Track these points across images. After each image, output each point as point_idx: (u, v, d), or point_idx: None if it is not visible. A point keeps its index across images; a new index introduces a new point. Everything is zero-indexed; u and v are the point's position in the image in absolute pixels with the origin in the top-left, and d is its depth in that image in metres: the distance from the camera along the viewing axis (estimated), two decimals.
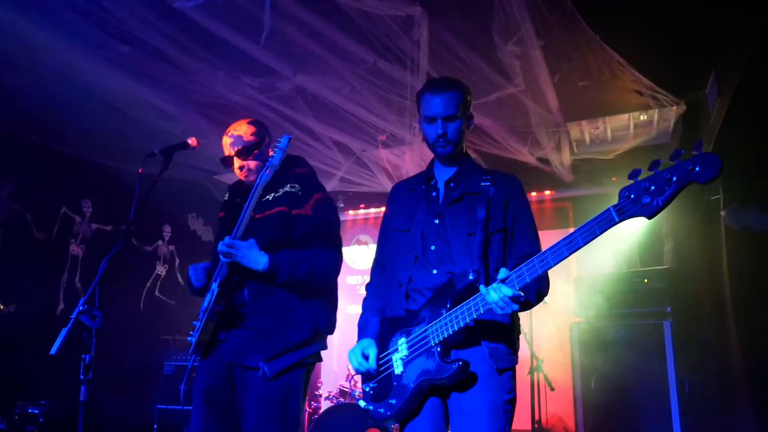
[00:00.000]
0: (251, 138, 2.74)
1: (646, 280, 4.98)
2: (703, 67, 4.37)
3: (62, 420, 4.89)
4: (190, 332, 2.64)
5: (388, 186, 6.36)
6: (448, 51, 4.05)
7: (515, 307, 1.95)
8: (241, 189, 2.85)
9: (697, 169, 1.64)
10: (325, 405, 5.68)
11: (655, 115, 5.18)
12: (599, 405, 4.75)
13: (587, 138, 5.67)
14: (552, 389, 5.27)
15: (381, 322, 2.38)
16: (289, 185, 2.70)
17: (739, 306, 3.89)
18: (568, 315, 5.45)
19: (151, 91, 4.66)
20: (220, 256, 2.52)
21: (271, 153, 2.63)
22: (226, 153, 2.76)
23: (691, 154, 1.66)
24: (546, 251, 1.89)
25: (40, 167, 5.49)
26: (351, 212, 8.07)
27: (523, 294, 1.95)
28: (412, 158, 5.85)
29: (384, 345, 2.32)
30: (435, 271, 2.26)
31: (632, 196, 1.73)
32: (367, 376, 2.33)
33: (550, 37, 3.87)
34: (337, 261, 2.72)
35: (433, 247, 2.30)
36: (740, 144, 3.67)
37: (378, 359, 2.30)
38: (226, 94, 4.68)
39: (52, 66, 4.24)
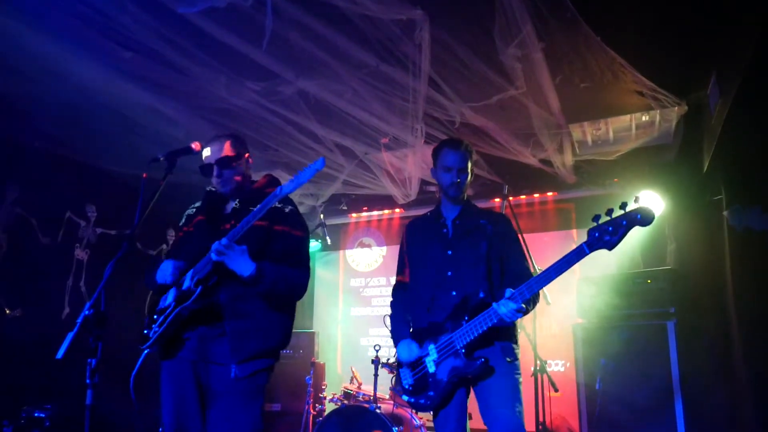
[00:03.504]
0: (231, 150, 2.88)
1: (649, 281, 4.97)
2: (704, 68, 4.36)
3: (68, 424, 4.90)
4: (152, 326, 2.76)
5: (390, 189, 6.37)
6: (450, 54, 4.06)
7: (519, 316, 2.62)
8: (219, 198, 2.99)
9: (639, 216, 2.42)
10: (329, 407, 5.68)
11: (657, 116, 5.17)
12: (603, 406, 4.75)
13: (589, 139, 5.66)
14: (556, 391, 5.26)
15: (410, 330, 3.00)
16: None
17: (742, 306, 3.88)
18: (571, 316, 5.44)
19: (154, 96, 4.67)
20: (212, 255, 2.58)
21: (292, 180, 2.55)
22: (206, 161, 2.89)
23: (635, 206, 2.43)
24: (540, 275, 2.58)
25: (45, 173, 5.51)
26: (354, 215, 8.04)
27: (525, 306, 2.61)
28: (414, 161, 5.86)
29: None
30: (454, 293, 2.88)
31: (597, 235, 2.49)
32: (409, 368, 2.92)
33: (552, 39, 3.88)
34: (307, 282, 2.88)
35: (449, 273, 2.93)
36: (742, 144, 3.67)
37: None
38: (228, 98, 4.69)
39: (56, 72, 4.25)
